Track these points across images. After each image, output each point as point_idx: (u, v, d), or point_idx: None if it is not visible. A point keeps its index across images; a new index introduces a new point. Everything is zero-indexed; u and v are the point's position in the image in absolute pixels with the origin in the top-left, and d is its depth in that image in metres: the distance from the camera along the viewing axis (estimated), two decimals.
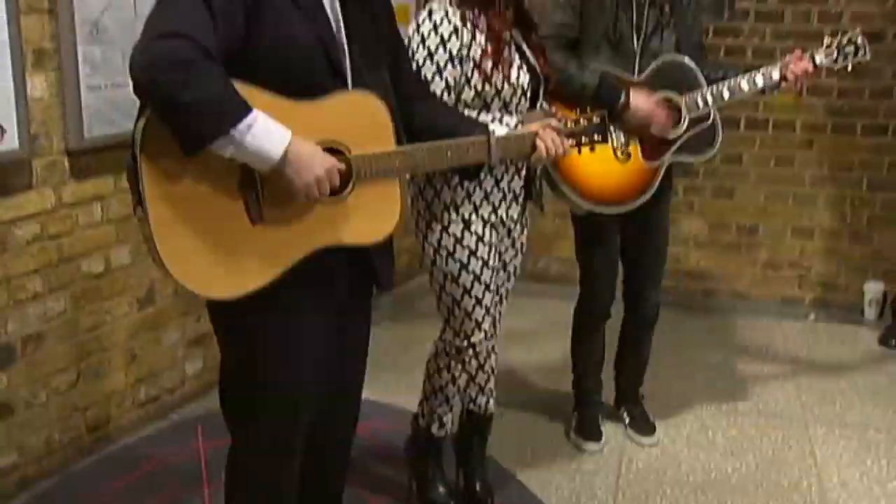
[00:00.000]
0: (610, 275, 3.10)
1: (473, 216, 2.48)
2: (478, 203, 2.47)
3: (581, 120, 2.29)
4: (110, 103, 2.81)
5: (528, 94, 2.45)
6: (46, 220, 2.72)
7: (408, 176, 2.36)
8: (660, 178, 2.93)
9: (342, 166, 1.85)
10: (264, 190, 1.81)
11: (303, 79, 1.82)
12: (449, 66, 2.35)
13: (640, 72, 2.88)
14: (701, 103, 2.88)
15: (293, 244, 1.87)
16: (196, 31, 1.66)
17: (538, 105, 2.52)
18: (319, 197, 1.82)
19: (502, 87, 2.39)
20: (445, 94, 2.36)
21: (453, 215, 2.47)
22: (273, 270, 1.85)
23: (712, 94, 2.88)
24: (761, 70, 2.89)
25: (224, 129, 1.68)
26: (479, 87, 2.38)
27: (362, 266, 2.00)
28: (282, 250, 1.86)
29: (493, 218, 2.50)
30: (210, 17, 1.69)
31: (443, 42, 2.35)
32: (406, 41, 2.34)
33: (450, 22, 2.36)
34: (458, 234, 2.48)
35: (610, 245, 3.07)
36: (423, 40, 2.36)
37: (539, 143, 2.22)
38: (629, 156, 2.90)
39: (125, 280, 3.02)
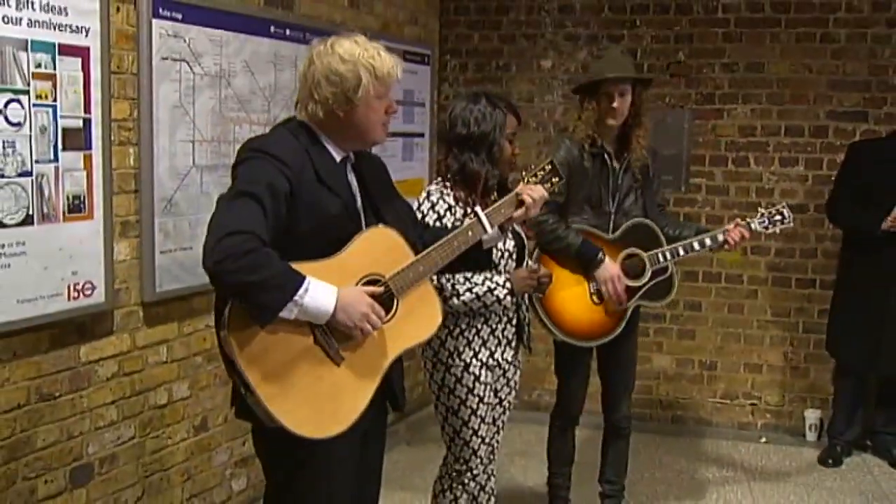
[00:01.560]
0: (580, 389, 3.14)
1: (472, 360, 2.51)
2: (476, 349, 2.52)
3: (538, 173, 2.32)
4: (178, 263, 2.90)
5: (514, 256, 2.55)
6: (123, 360, 2.77)
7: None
8: (626, 320, 3.00)
9: (379, 290, 1.91)
10: (334, 335, 1.87)
11: (334, 240, 1.91)
12: None
13: (614, 228, 3.00)
14: (661, 259, 3.00)
15: (374, 367, 1.92)
16: (252, 225, 1.75)
17: (524, 264, 2.61)
18: (374, 328, 1.87)
19: (491, 252, 2.46)
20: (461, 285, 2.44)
21: (455, 360, 2.51)
22: (368, 392, 1.90)
23: (671, 251, 3.00)
24: (709, 234, 3.03)
25: (288, 296, 1.75)
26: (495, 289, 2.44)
27: (383, 388, 2.00)
28: (367, 376, 1.91)
29: (489, 361, 2.54)
30: (262, 213, 1.78)
31: (440, 218, 2.45)
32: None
33: (444, 201, 2.47)
34: (458, 375, 2.50)
35: (582, 367, 3.12)
36: (423, 217, 2.46)
37: (524, 197, 2.24)
38: (602, 298, 2.97)
39: (184, 410, 3.04)
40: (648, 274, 2.99)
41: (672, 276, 3.04)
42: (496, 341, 2.56)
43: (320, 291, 1.80)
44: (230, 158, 3.03)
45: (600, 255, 2.91)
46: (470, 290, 2.45)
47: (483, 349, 2.53)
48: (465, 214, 2.45)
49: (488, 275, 2.47)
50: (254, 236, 1.74)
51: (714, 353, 4.52)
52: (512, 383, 2.66)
